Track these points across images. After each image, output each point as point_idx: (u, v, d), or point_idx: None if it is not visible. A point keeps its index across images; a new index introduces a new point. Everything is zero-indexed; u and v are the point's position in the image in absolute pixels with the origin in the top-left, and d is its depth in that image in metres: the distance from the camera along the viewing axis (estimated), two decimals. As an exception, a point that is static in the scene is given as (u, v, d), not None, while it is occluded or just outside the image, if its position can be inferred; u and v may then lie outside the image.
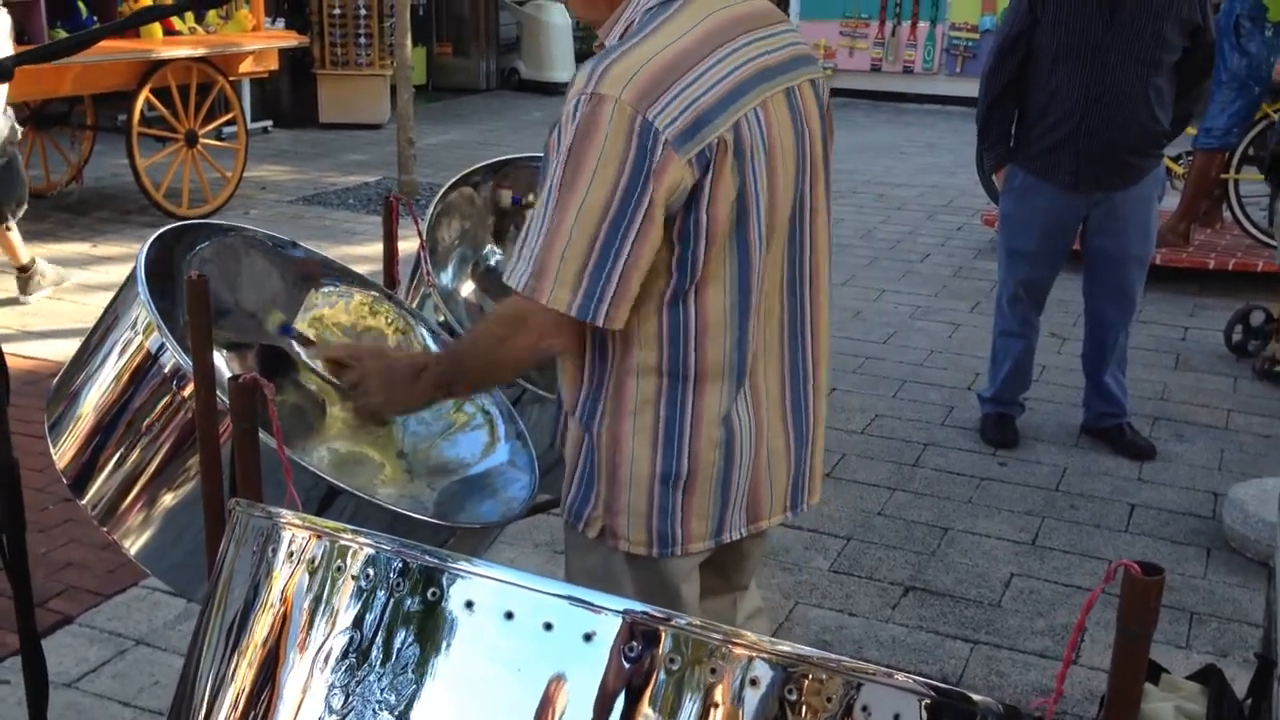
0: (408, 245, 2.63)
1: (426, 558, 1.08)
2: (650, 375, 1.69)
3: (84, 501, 1.93)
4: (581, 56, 13.57)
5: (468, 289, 2.76)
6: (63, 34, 6.97)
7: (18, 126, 5.74)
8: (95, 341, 2.00)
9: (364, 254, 6.62)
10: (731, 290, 1.67)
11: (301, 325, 2.31)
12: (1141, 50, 3.92)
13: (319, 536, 1.16)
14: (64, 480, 1.95)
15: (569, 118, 1.56)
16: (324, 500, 1.79)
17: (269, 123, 10.59)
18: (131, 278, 1.94)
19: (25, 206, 5.80)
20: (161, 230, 2.10)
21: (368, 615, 1.10)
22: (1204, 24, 3.98)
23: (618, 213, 1.55)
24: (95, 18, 7.18)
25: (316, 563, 1.14)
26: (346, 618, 1.11)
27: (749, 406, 1.75)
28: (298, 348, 2.25)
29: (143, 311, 1.87)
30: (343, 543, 1.14)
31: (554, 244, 1.56)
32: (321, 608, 1.13)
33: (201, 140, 7.46)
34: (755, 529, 1.84)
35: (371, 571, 1.11)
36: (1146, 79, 3.95)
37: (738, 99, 1.62)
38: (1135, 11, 3.90)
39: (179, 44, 7.32)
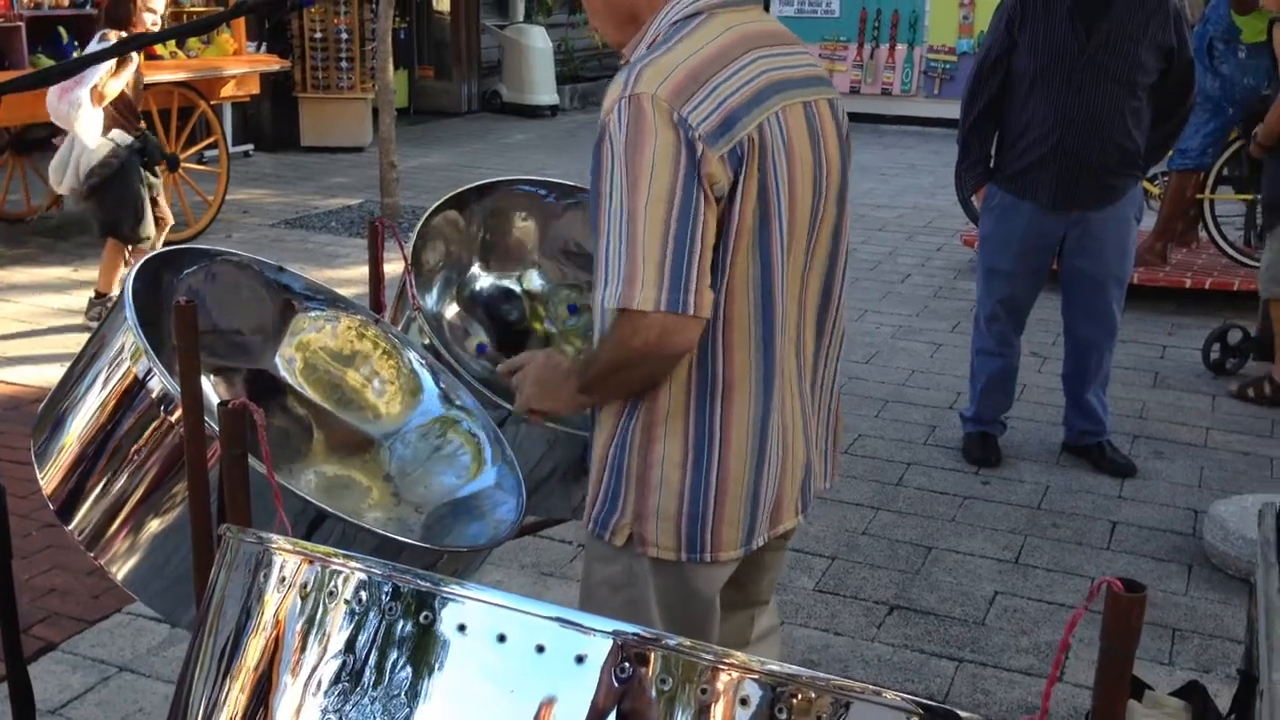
0: (392, 268, 2.65)
1: (419, 582, 1.09)
2: (681, 383, 1.73)
3: (70, 527, 1.93)
4: (563, 79, 13.63)
5: (451, 312, 2.77)
6: (44, 59, 6.97)
7: (134, 150, 5.72)
8: (82, 367, 2.00)
9: (347, 277, 6.62)
10: (755, 295, 1.72)
11: (289, 350, 2.32)
12: (1118, 72, 3.98)
13: (310, 561, 1.16)
14: (50, 506, 1.95)
15: (615, 125, 1.62)
16: (312, 524, 1.79)
17: (250, 146, 10.58)
18: (119, 303, 1.94)
19: (144, 239, 5.78)
20: (148, 255, 2.11)
21: (360, 639, 1.10)
22: (1179, 46, 4.04)
23: (684, 197, 1.59)
24: (76, 43, 7.18)
25: (308, 588, 1.14)
26: (339, 642, 1.11)
27: (779, 416, 1.80)
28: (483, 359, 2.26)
29: (130, 337, 1.87)
30: (334, 568, 1.14)
31: (635, 246, 1.59)
32: (314, 632, 1.14)
33: (183, 164, 7.45)
34: (774, 533, 1.87)
35: (364, 596, 1.11)
36: (1123, 100, 4.00)
37: (762, 101, 1.69)
38: (1111, 34, 3.96)
39: (160, 68, 7.32)
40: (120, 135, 5.66)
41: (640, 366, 1.70)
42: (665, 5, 1.76)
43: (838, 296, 1.92)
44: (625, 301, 1.61)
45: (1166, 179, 6.90)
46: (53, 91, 5.44)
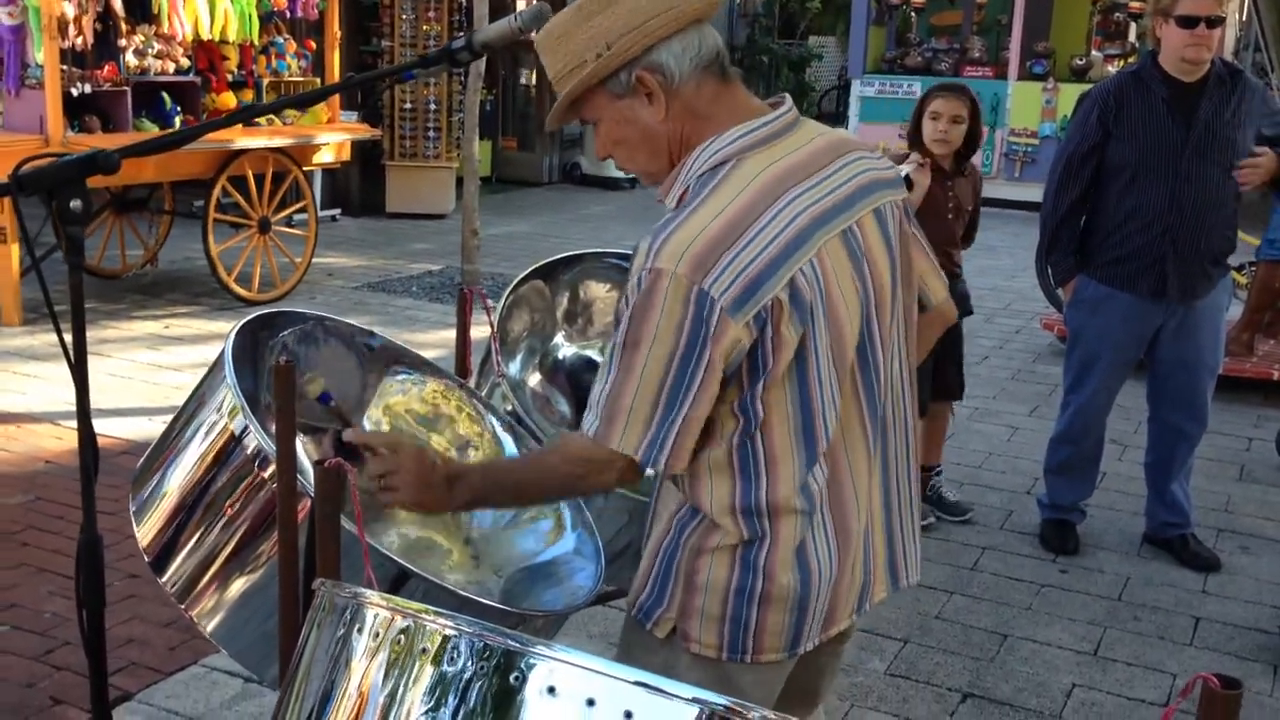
0: (475, 333, 2.70)
1: (508, 641, 1.11)
2: (729, 509, 1.74)
3: (163, 579, 1.98)
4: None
5: (534, 380, 2.82)
6: (147, 123, 7.24)
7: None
8: (180, 424, 2.06)
9: (427, 340, 6.72)
10: (795, 420, 1.72)
11: (376, 411, 2.37)
12: (1222, 159, 3.94)
13: (402, 616, 1.19)
14: (145, 558, 2.00)
15: (633, 289, 1.66)
16: (394, 583, 1.83)
17: (337, 211, 10.85)
18: (218, 362, 2.01)
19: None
20: (247, 318, 2.18)
21: (448, 698, 1.12)
22: (1271, 130, 4.02)
23: (678, 373, 1.64)
24: (179, 107, 7.44)
25: (399, 644, 1.17)
26: (427, 701, 1.13)
27: (829, 535, 1.79)
28: (328, 418, 2.30)
29: (228, 395, 1.93)
30: (424, 623, 1.17)
31: (621, 398, 1.66)
32: (402, 689, 1.16)
33: (273, 227, 7.66)
34: (826, 636, 1.85)
35: (453, 654, 1.13)
36: (1228, 188, 3.97)
37: (791, 254, 1.67)
38: (1211, 121, 3.92)
39: (257, 134, 7.55)
40: None
41: (575, 495, 1.88)
42: (698, 146, 1.75)
43: (905, 403, 1.91)
44: (603, 439, 1.67)
45: (1254, 268, 6.80)
46: None
